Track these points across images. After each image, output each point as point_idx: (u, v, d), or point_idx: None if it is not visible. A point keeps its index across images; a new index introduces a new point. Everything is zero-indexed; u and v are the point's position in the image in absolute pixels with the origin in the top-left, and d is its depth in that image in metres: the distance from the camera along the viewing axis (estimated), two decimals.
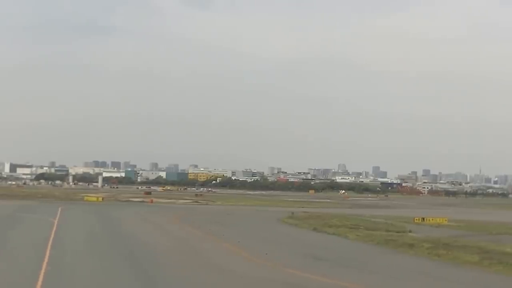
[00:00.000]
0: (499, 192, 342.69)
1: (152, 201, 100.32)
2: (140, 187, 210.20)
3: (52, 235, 36.51)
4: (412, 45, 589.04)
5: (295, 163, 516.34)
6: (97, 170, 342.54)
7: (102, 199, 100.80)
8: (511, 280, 24.88)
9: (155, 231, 44.24)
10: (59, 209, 67.51)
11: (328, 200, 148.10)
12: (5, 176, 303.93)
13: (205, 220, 57.99)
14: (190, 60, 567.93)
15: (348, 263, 28.79)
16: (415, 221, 63.92)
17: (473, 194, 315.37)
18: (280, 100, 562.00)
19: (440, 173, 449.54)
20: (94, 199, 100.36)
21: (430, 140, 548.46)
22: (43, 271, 21.92)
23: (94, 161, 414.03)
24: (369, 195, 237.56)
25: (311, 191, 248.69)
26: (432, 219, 65.16)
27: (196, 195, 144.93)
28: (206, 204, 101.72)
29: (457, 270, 27.26)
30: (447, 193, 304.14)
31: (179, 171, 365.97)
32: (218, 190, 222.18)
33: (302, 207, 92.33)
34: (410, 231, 49.30)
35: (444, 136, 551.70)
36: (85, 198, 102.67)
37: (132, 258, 27.58)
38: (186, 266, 25.47)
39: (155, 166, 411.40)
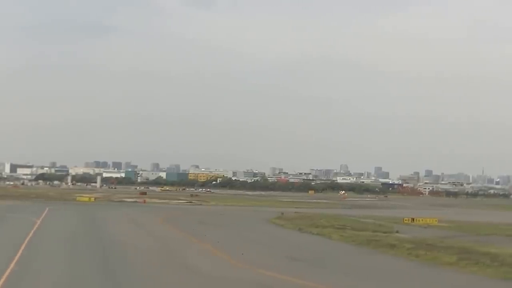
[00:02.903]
0: (501, 193, 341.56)
1: (145, 202, 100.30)
2: (138, 188, 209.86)
3: (30, 235, 36.37)
4: (414, 45, 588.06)
5: (297, 164, 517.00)
6: (97, 170, 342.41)
7: (94, 199, 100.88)
8: (479, 280, 24.61)
9: (137, 232, 44.19)
10: (47, 209, 67.38)
11: (325, 201, 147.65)
12: (5, 176, 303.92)
13: (193, 220, 57.91)
14: (192, 60, 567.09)
15: (323, 264, 28.67)
16: (405, 221, 63.59)
17: (474, 194, 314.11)
18: (283, 100, 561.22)
19: (442, 173, 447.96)
20: (86, 199, 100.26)
21: (433, 141, 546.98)
22: (9, 270, 21.80)
23: (95, 162, 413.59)
24: (369, 195, 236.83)
25: (311, 192, 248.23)
26: (422, 220, 64.76)
27: (192, 195, 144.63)
28: (200, 204, 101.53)
29: (430, 270, 27.03)
30: (448, 193, 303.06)
31: (180, 172, 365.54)
32: (217, 191, 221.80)
33: (296, 208, 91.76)
34: (397, 232, 49.07)
35: (446, 136, 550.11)
36: (78, 198, 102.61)
37: (104, 258, 27.45)
38: (155, 266, 25.33)
39: (156, 167, 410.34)
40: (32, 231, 39.06)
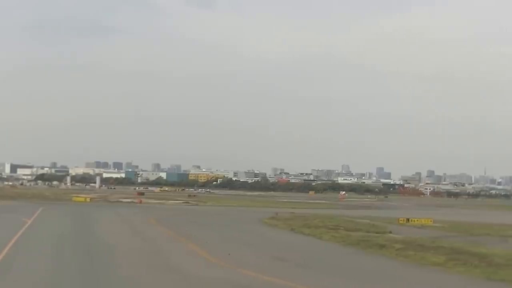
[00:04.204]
0: (502, 193, 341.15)
1: (141, 202, 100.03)
2: (137, 188, 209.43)
3: (17, 235, 36.21)
4: (414, 45, 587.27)
5: (299, 164, 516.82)
6: (97, 170, 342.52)
7: (90, 199, 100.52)
8: (461, 280, 24.36)
9: (126, 232, 43.89)
10: (39, 209, 67.23)
11: (324, 201, 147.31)
12: (5, 176, 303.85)
13: (185, 220, 57.68)
14: (192, 60, 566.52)
15: (308, 264, 28.33)
16: (400, 221, 63.20)
17: (476, 195, 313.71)
18: (284, 100, 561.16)
19: (444, 174, 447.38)
20: (82, 199, 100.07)
21: (435, 141, 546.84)
22: None
23: (96, 162, 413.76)
24: (369, 196, 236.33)
25: (311, 192, 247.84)
26: (417, 220, 64.44)
27: (189, 195, 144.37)
28: (196, 205, 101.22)
29: (415, 271, 26.84)
30: (449, 194, 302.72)
31: (181, 172, 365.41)
32: (216, 191, 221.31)
33: (293, 208, 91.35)
34: (390, 232, 48.82)
35: (448, 137, 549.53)
36: (74, 198, 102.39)
37: (87, 258, 27.12)
38: (137, 266, 25.07)
39: (157, 167, 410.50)
40: (20, 231, 38.84)
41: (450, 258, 29.89)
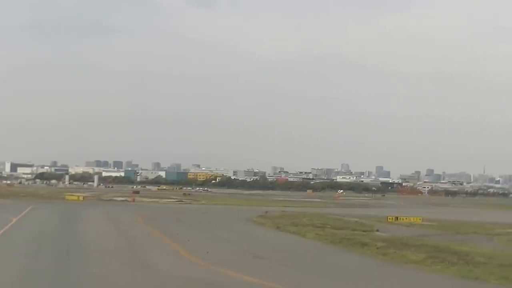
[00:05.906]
0: (500, 192, 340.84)
1: (133, 200, 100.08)
2: (135, 187, 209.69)
3: None
4: (414, 45, 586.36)
5: (299, 163, 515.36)
6: (97, 169, 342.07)
7: (83, 198, 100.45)
8: (434, 278, 24.37)
9: (110, 231, 43.84)
10: (29, 208, 67.09)
11: (319, 200, 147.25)
12: (5, 175, 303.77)
13: (172, 219, 57.61)
14: (192, 60, 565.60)
15: (285, 262, 28.32)
16: (389, 220, 63.26)
17: (474, 194, 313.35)
18: (285, 100, 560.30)
19: (443, 173, 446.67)
20: (75, 198, 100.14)
21: (434, 140, 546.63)
22: None
23: (96, 161, 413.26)
24: (366, 194, 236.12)
25: (309, 191, 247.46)
26: (406, 218, 64.58)
27: (184, 194, 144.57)
28: (190, 203, 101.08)
29: (391, 269, 26.95)
30: (447, 193, 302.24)
31: (181, 171, 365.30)
32: (215, 190, 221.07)
33: (286, 207, 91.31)
34: (377, 230, 48.94)
35: (448, 136, 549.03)
36: (67, 197, 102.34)
37: (64, 257, 26.97)
38: (112, 265, 25.06)
39: (157, 166, 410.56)
40: (3, 230, 38.93)
41: (430, 256, 30.01)
